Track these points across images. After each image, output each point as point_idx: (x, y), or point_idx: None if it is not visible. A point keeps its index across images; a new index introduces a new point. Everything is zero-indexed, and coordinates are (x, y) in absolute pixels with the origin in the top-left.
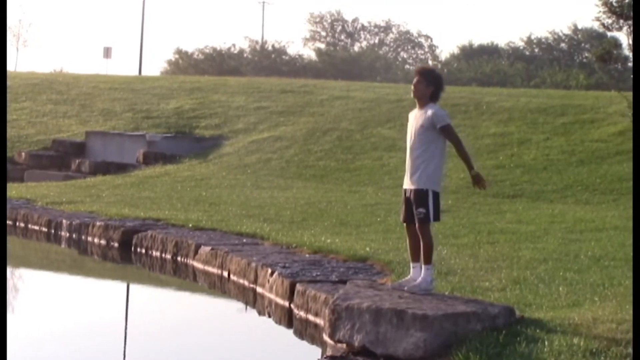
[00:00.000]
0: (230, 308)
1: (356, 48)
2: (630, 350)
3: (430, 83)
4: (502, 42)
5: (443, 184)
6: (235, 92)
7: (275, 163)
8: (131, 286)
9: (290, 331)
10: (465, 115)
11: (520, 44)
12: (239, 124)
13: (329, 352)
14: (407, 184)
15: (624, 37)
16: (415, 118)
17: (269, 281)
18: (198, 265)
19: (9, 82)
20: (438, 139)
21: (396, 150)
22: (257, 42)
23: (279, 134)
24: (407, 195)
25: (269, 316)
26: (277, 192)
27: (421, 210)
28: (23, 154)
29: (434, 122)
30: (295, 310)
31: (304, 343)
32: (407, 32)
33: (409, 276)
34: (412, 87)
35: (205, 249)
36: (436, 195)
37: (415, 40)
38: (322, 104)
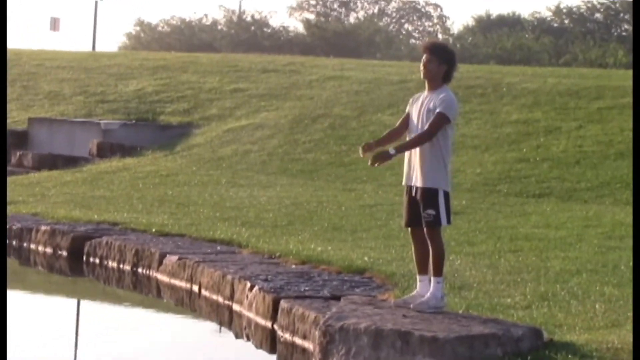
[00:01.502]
0: (201, 329)
1: (352, 19)
2: None
3: (443, 62)
4: (525, 12)
5: (456, 180)
6: (208, 72)
7: (255, 156)
8: (82, 303)
9: (274, 357)
10: (482, 99)
11: (548, 14)
12: (212, 109)
13: None
14: (412, 181)
15: None
16: (423, 102)
17: (247, 297)
18: (163, 278)
19: None
20: (447, 129)
21: (400, 141)
22: (233, 12)
23: (259, 121)
24: (412, 194)
25: (248, 339)
26: (258, 191)
27: (430, 212)
28: None
29: (439, 103)
30: (280, 332)
31: None
32: (413, 1)
33: (415, 291)
34: (422, 66)
35: (171, 259)
36: (447, 195)
37: (422, 9)
38: (312, 86)
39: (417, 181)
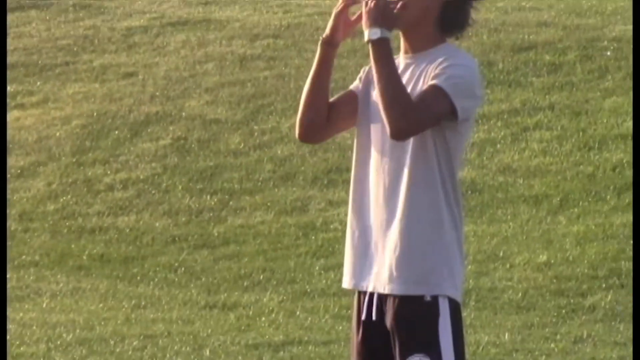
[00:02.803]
0: None
1: None
2: None
3: None
4: None
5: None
6: None
7: None
8: None
9: None
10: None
11: None
12: None
13: None
14: (368, 280)
15: None
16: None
17: None
18: None
19: None
20: (456, 135)
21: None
22: None
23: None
24: (370, 315)
25: None
26: None
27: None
28: None
29: (434, 70)
30: None
31: None
32: None
33: None
34: None
35: None
36: (455, 310)
37: None
38: (128, 44)
39: (383, 279)
